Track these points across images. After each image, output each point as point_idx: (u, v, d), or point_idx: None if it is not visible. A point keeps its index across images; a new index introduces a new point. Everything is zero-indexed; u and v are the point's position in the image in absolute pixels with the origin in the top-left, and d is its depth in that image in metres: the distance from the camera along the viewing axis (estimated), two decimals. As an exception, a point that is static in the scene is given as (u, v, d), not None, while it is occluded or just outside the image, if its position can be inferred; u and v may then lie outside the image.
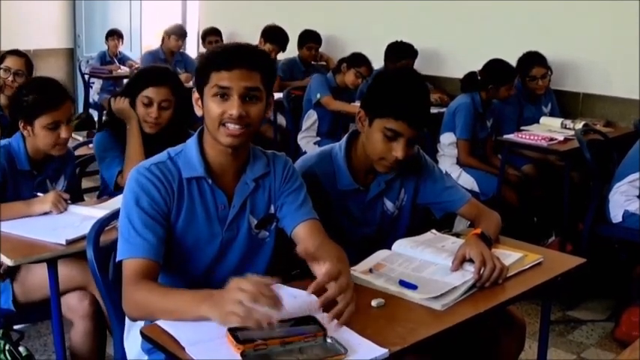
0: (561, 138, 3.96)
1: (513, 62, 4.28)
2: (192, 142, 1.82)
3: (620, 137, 4.09)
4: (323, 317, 1.53)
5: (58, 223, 2.30)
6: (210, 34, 6.54)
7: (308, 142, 4.81)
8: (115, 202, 2.31)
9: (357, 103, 3.65)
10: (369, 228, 2.20)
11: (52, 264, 2.15)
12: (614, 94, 4.51)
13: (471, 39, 5.14)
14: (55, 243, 2.16)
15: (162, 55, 6.30)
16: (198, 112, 1.80)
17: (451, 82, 5.04)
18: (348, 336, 1.48)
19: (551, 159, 4.22)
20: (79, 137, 3.57)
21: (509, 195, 4.02)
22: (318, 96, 4.70)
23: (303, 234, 1.83)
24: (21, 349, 2.35)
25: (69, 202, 2.45)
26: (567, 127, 4.17)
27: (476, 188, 4.03)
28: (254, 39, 5.68)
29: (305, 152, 4.50)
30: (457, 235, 2.16)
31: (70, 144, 2.73)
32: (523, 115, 4.43)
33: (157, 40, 6.63)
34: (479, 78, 4.14)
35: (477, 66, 4.21)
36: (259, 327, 1.41)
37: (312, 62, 5.97)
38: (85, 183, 3.27)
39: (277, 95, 4.62)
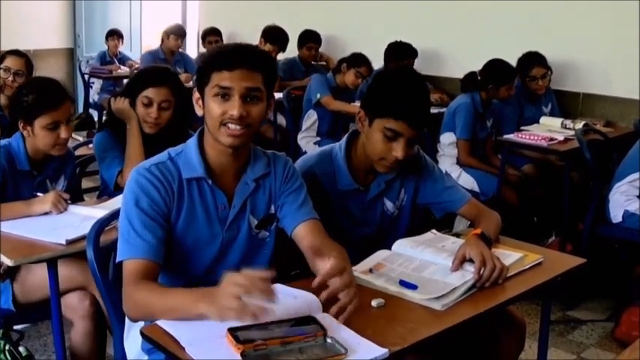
0: (561, 138, 3.95)
1: (513, 62, 4.28)
2: (192, 143, 1.82)
3: (620, 137, 4.09)
4: (323, 317, 1.53)
5: (58, 223, 2.30)
6: (210, 34, 6.53)
7: (308, 142, 4.81)
8: (115, 202, 2.31)
9: (357, 103, 3.65)
10: (369, 228, 2.20)
11: (52, 264, 2.15)
12: (614, 94, 4.50)
13: (471, 39, 5.14)
14: (55, 243, 2.16)
15: (162, 55, 6.29)
16: (199, 112, 1.80)
17: (451, 82, 5.04)
18: (348, 336, 1.48)
19: (551, 159, 4.21)
20: (79, 137, 3.57)
21: (509, 195, 4.02)
22: (318, 96, 4.70)
23: (304, 234, 1.83)
24: (21, 349, 2.35)
25: (69, 202, 2.44)
26: (567, 127, 4.16)
27: (476, 188, 4.03)
28: (254, 39, 5.67)
29: (305, 152, 4.50)
30: (457, 235, 2.16)
31: (70, 144, 2.73)
32: (523, 115, 4.43)
33: (157, 40, 6.62)
34: (479, 78, 4.14)
35: (477, 66, 4.21)
36: (256, 320, 1.41)
37: (312, 62, 5.97)
38: (85, 183, 3.27)
39: (277, 95, 4.61)
